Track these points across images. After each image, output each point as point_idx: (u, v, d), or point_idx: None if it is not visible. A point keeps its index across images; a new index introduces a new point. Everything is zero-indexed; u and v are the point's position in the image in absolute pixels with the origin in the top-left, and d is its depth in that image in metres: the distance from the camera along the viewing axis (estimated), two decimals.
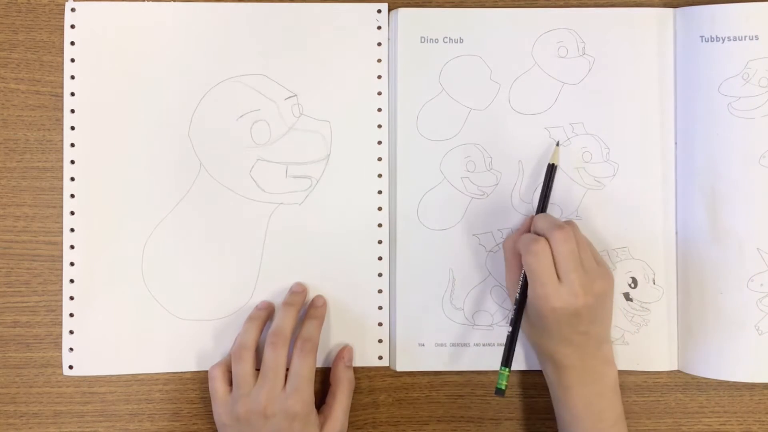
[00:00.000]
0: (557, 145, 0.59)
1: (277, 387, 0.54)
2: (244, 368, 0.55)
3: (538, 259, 0.53)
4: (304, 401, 0.54)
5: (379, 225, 0.60)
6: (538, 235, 0.55)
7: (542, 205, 0.58)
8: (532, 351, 0.60)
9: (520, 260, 0.55)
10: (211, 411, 0.57)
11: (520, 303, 0.56)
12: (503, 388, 0.55)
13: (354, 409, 0.60)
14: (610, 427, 0.55)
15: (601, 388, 0.55)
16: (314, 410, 0.55)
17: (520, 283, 0.56)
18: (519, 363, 0.60)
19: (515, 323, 0.56)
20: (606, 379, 0.56)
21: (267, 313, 0.59)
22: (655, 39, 0.60)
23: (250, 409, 0.54)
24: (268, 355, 0.55)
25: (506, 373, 0.55)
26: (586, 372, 0.55)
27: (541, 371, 0.60)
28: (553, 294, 0.52)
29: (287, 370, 0.55)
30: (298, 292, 0.59)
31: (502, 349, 0.57)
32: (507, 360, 0.55)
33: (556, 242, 0.53)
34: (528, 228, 0.57)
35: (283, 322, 0.56)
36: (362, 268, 0.60)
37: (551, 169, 0.58)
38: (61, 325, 0.59)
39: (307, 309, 0.59)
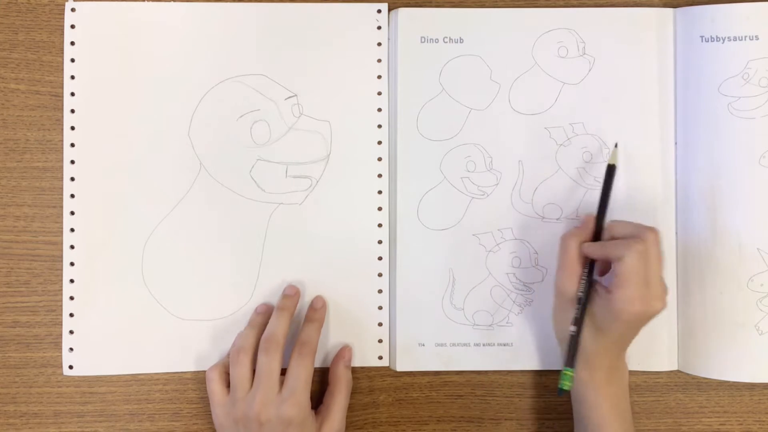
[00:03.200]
0: (615, 146, 0.59)
1: (271, 392, 0.53)
2: (240, 371, 0.55)
3: (642, 260, 0.52)
4: (300, 406, 0.53)
5: (379, 225, 0.60)
6: (616, 238, 0.54)
7: (603, 207, 0.57)
8: (535, 351, 0.60)
9: (582, 260, 0.55)
10: (210, 411, 0.57)
11: (585, 302, 0.54)
12: (567, 389, 0.54)
13: (354, 409, 0.60)
14: (630, 427, 0.55)
15: (624, 387, 0.56)
16: (311, 414, 0.55)
17: (584, 282, 0.55)
18: (519, 363, 0.60)
19: (580, 322, 0.55)
20: (626, 378, 0.57)
21: (265, 317, 0.58)
22: (655, 39, 0.60)
23: (246, 414, 0.54)
24: (261, 360, 0.54)
25: (570, 374, 0.54)
26: (612, 370, 0.55)
27: (540, 371, 0.60)
28: (643, 297, 0.52)
29: (284, 373, 0.55)
30: (290, 295, 0.58)
31: (501, 348, 0.58)
32: (571, 360, 0.54)
33: (651, 245, 0.52)
34: (593, 228, 0.56)
35: (276, 326, 0.56)
36: (362, 268, 0.60)
37: (611, 171, 0.57)
38: (61, 325, 0.59)
39: (306, 311, 0.59)
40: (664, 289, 0.53)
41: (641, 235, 0.53)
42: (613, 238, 0.55)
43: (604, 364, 0.55)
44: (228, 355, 0.58)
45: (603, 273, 0.57)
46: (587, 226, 0.57)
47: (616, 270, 0.53)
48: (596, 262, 0.56)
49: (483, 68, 0.60)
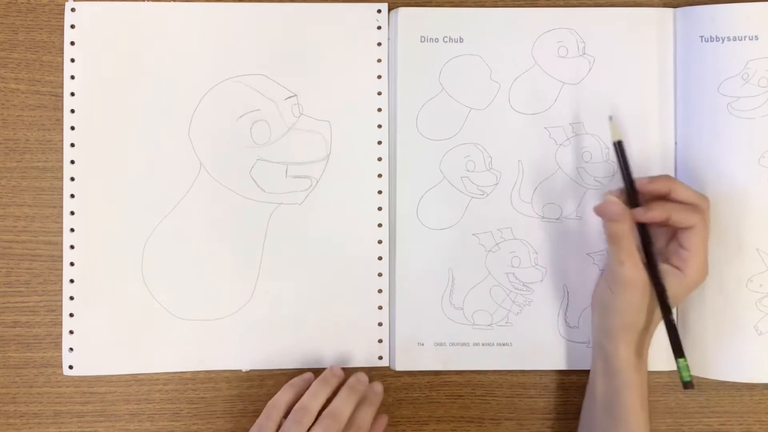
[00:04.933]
0: (610, 119, 0.58)
1: None
2: (268, 424, 0.53)
3: (707, 230, 0.53)
4: None
5: (379, 225, 0.60)
6: (677, 203, 0.53)
7: (629, 181, 0.55)
8: (535, 350, 0.60)
9: (630, 235, 0.53)
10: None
11: (662, 287, 0.54)
12: (689, 379, 0.54)
13: None
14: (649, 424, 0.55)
15: (645, 378, 0.55)
16: None
17: (654, 266, 0.54)
18: (520, 363, 0.60)
19: (668, 309, 0.53)
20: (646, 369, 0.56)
21: (307, 384, 0.57)
22: (655, 39, 0.60)
23: None
24: (288, 426, 0.53)
25: (686, 363, 0.54)
26: (646, 350, 0.55)
27: (540, 371, 0.60)
28: (706, 267, 0.53)
29: None
30: (337, 375, 0.57)
31: (501, 348, 0.58)
32: (680, 349, 0.54)
33: (708, 213, 0.53)
34: (626, 201, 0.54)
35: (313, 400, 0.55)
36: (362, 267, 0.60)
37: (619, 147, 0.56)
38: (61, 325, 0.59)
39: (366, 391, 0.57)
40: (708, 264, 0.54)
41: (701, 203, 0.53)
42: (668, 200, 0.54)
43: (645, 343, 0.55)
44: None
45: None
46: (619, 201, 0.54)
47: (684, 241, 0.53)
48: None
49: (483, 68, 0.60)
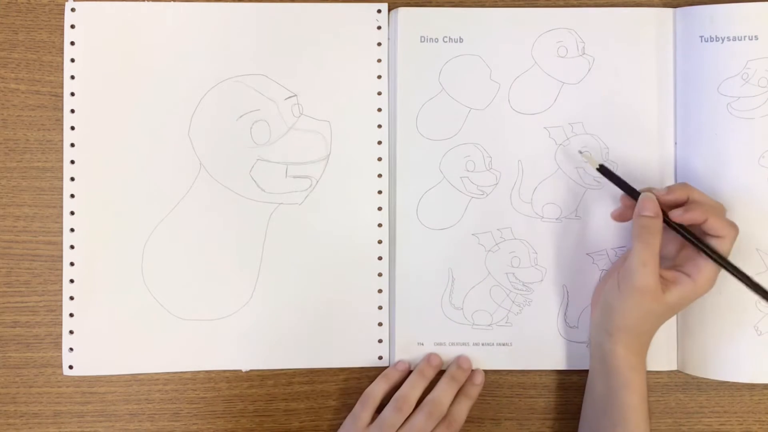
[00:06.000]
0: (580, 153, 0.59)
1: None
2: (363, 413, 0.57)
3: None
4: None
5: (379, 225, 0.60)
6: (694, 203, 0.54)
7: (631, 192, 0.56)
8: (535, 350, 0.60)
9: (659, 237, 0.53)
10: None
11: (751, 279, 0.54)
12: None
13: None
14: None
15: (644, 378, 0.55)
16: None
17: (724, 263, 0.53)
18: (520, 363, 0.60)
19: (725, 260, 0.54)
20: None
21: (402, 375, 0.59)
22: (655, 39, 0.60)
23: None
24: (388, 414, 0.56)
25: None
26: (645, 352, 0.56)
27: (540, 371, 0.60)
28: (714, 281, 0.54)
29: None
30: (435, 365, 0.59)
31: (501, 348, 0.58)
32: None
33: (736, 233, 0.54)
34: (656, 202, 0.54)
35: (412, 390, 0.57)
36: (362, 267, 0.60)
37: (605, 170, 0.57)
38: (61, 325, 0.59)
39: (449, 366, 0.59)
40: None
41: (731, 221, 0.54)
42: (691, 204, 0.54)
43: (645, 344, 0.55)
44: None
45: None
46: (651, 211, 0.54)
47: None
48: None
49: (483, 68, 0.60)
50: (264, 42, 0.60)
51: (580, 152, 0.59)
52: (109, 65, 0.60)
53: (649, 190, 0.55)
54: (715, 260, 0.53)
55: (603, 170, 0.57)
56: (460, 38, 0.60)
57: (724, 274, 0.54)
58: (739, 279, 0.54)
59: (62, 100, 0.60)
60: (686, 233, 0.54)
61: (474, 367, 0.60)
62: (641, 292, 0.53)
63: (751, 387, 0.61)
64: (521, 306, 0.60)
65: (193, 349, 0.60)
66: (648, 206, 0.53)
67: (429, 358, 0.59)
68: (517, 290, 0.60)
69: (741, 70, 0.57)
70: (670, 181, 0.60)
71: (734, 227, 0.53)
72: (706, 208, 0.53)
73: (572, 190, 0.60)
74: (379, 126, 0.61)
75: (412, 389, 0.57)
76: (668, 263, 0.56)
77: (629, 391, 0.54)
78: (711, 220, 0.53)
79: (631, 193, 0.56)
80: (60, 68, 0.60)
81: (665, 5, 0.61)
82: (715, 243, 0.53)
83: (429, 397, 0.57)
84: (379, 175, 0.61)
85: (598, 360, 0.56)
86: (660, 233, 0.53)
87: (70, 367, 0.59)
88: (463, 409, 0.58)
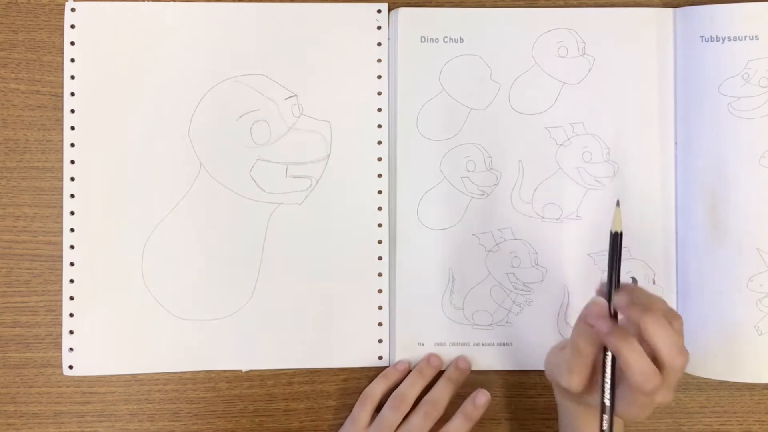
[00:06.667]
0: (618, 205, 0.49)
1: None
2: (362, 414, 0.57)
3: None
4: None
5: (379, 225, 0.60)
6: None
7: (615, 280, 0.48)
8: (535, 350, 0.60)
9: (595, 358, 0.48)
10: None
11: (612, 408, 0.47)
12: None
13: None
14: None
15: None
16: None
17: (608, 385, 0.47)
18: (520, 363, 0.60)
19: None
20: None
21: (401, 375, 0.59)
22: (655, 39, 0.60)
23: None
24: (386, 413, 0.56)
25: None
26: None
27: (540, 371, 0.60)
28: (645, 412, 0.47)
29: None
30: (434, 366, 0.59)
31: (501, 348, 0.58)
32: None
33: (672, 375, 0.46)
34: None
35: (410, 389, 0.57)
36: (362, 268, 0.60)
37: (616, 239, 0.48)
38: (61, 325, 0.59)
39: (448, 367, 0.59)
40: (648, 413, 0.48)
41: (671, 362, 0.45)
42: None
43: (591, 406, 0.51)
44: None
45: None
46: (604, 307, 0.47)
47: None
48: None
49: (483, 68, 0.60)
50: (264, 42, 0.60)
51: (618, 204, 0.49)
52: (109, 65, 0.60)
53: (632, 283, 0.51)
54: (601, 404, 0.47)
55: (612, 240, 0.48)
56: (461, 38, 0.60)
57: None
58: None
59: (62, 100, 0.60)
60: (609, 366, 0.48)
61: (474, 368, 0.60)
62: (564, 391, 0.50)
63: (751, 387, 0.61)
64: (522, 306, 0.60)
65: (193, 349, 0.60)
66: (593, 312, 0.47)
67: (429, 358, 0.59)
68: (518, 290, 0.60)
69: (741, 70, 0.57)
70: (671, 181, 0.60)
71: (661, 374, 0.45)
72: (647, 319, 0.45)
73: (573, 190, 0.60)
74: (379, 126, 0.61)
75: (409, 388, 0.58)
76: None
77: None
78: (649, 331, 0.45)
79: (616, 278, 0.48)
80: (60, 68, 0.60)
81: (666, 5, 0.61)
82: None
83: (426, 397, 0.57)
84: (379, 175, 0.61)
85: (560, 411, 0.56)
86: (598, 346, 0.47)
87: (70, 367, 0.59)
88: (443, 392, 0.57)
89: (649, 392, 0.45)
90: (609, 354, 0.47)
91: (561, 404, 0.55)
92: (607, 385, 0.47)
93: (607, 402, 0.47)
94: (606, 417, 0.47)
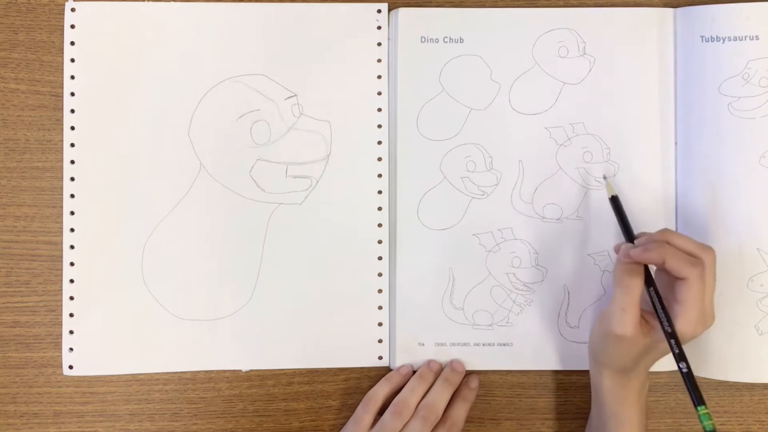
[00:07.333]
0: (605, 178, 0.59)
1: None
2: (365, 416, 0.58)
3: (702, 284, 0.50)
4: None
5: (379, 225, 0.60)
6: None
7: (628, 232, 0.55)
8: (535, 351, 0.60)
9: (640, 298, 0.52)
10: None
11: (674, 333, 0.51)
12: (713, 429, 0.50)
13: (354, 408, 0.60)
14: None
15: (638, 412, 0.55)
16: None
17: (662, 314, 0.52)
18: (520, 363, 0.60)
19: (684, 356, 0.51)
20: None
21: (404, 379, 0.59)
22: (655, 39, 0.60)
23: None
24: (388, 419, 0.56)
25: (706, 411, 0.50)
26: (632, 395, 0.54)
27: (540, 371, 0.60)
28: (699, 321, 0.51)
29: None
30: (433, 370, 0.59)
31: (501, 348, 0.58)
32: (700, 396, 0.51)
33: (710, 266, 0.51)
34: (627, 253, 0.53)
35: (412, 395, 0.58)
36: (362, 268, 0.60)
37: (616, 201, 0.57)
38: (61, 325, 0.59)
39: (461, 387, 0.59)
40: (713, 313, 0.52)
41: (701, 255, 0.51)
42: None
43: (635, 379, 0.54)
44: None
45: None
46: (629, 257, 0.52)
47: (678, 292, 0.51)
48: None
49: (483, 68, 0.60)
50: (264, 42, 0.60)
51: (604, 177, 0.59)
52: (109, 65, 0.60)
53: (644, 234, 0.54)
54: (665, 333, 0.51)
55: (613, 202, 0.57)
56: (461, 38, 0.60)
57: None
58: (677, 358, 0.52)
59: (62, 100, 0.60)
60: (654, 294, 0.53)
61: (472, 369, 0.60)
62: (619, 338, 0.52)
63: (751, 387, 0.61)
64: (522, 306, 0.60)
65: (193, 349, 0.60)
66: (625, 249, 0.53)
67: (429, 363, 0.59)
68: (518, 290, 0.60)
69: (742, 70, 0.57)
70: (671, 181, 0.60)
71: (695, 269, 0.50)
72: (667, 250, 0.51)
73: (573, 190, 0.60)
74: (379, 126, 0.61)
75: (411, 393, 0.58)
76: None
77: (617, 423, 0.54)
78: (669, 261, 0.50)
79: (628, 233, 0.55)
80: (60, 68, 0.60)
81: (666, 5, 0.61)
82: (681, 287, 0.51)
83: (424, 401, 0.57)
84: (379, 175, 0.61)
85: (593, 388, 0.57)
86: (641, 278, 0.52)
87: (70, 367, 0.59)
88: (461, 412, 0.58)
89: (696, 277, 0.50)
90: (652, 289, 0.53)
91: (601, 387, 0.55)
92: (662, 314, 0.52)
93: (668, 328, 0.51)
94: (673, 342, 0.51)
